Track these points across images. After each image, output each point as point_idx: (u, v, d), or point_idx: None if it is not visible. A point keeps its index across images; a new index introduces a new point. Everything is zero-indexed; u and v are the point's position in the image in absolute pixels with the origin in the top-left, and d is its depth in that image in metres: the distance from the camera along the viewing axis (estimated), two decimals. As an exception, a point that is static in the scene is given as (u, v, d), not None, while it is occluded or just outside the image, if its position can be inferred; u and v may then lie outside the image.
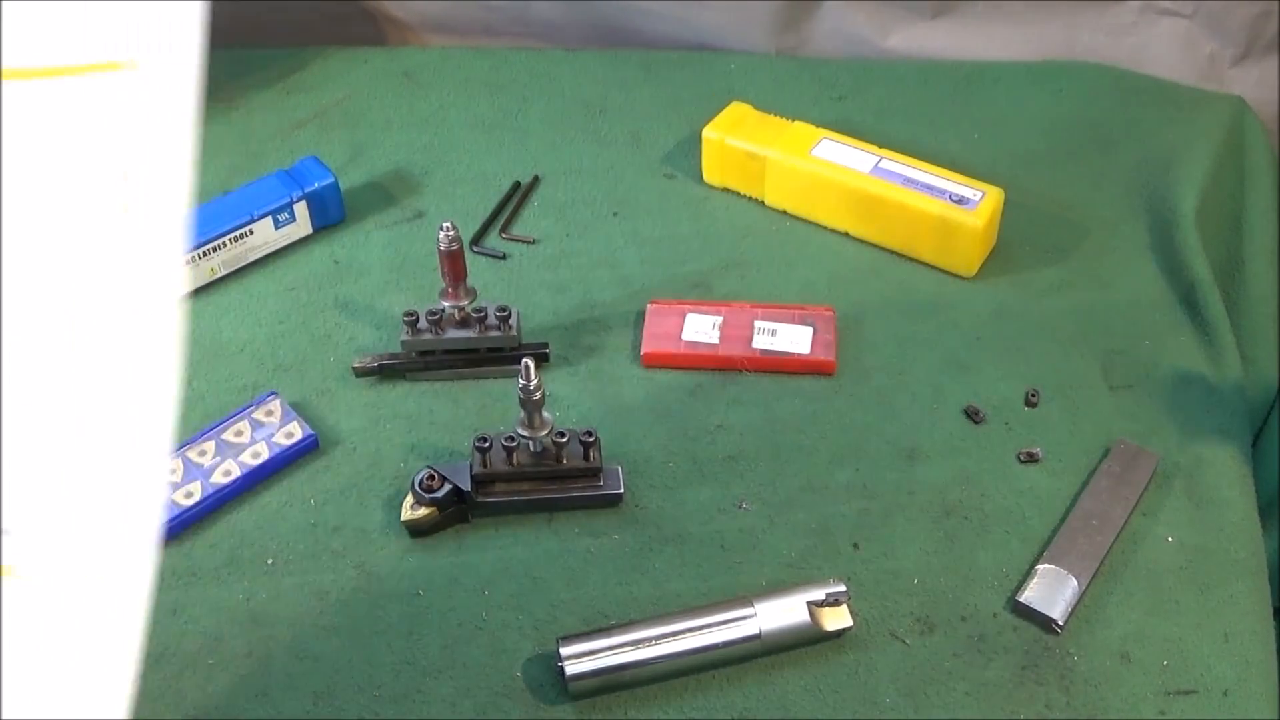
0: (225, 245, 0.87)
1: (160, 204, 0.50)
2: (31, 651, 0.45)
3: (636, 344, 0.83)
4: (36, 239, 0.51)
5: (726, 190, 0.96)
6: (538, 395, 0.69)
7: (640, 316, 0.84)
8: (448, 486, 0.71)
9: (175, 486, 0.73)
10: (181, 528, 0.72)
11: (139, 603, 0.46)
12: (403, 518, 0.71)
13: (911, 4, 1.09)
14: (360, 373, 0.81)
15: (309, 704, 0.64)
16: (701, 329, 0.82)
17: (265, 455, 0.75)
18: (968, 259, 0.87)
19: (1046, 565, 0.68)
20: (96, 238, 0.51)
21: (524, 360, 0.68)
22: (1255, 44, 1.04)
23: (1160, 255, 0.89)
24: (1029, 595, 0.67)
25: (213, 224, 0.86)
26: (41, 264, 0.51)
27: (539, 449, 0.72)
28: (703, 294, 0.87)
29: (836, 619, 0.65)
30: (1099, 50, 1.08)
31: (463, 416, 0.79)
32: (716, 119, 0.95)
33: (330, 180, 0.91)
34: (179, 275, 0.49)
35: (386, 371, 0.81)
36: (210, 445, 0.76)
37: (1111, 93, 1.04)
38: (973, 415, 0.78)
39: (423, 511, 0.71)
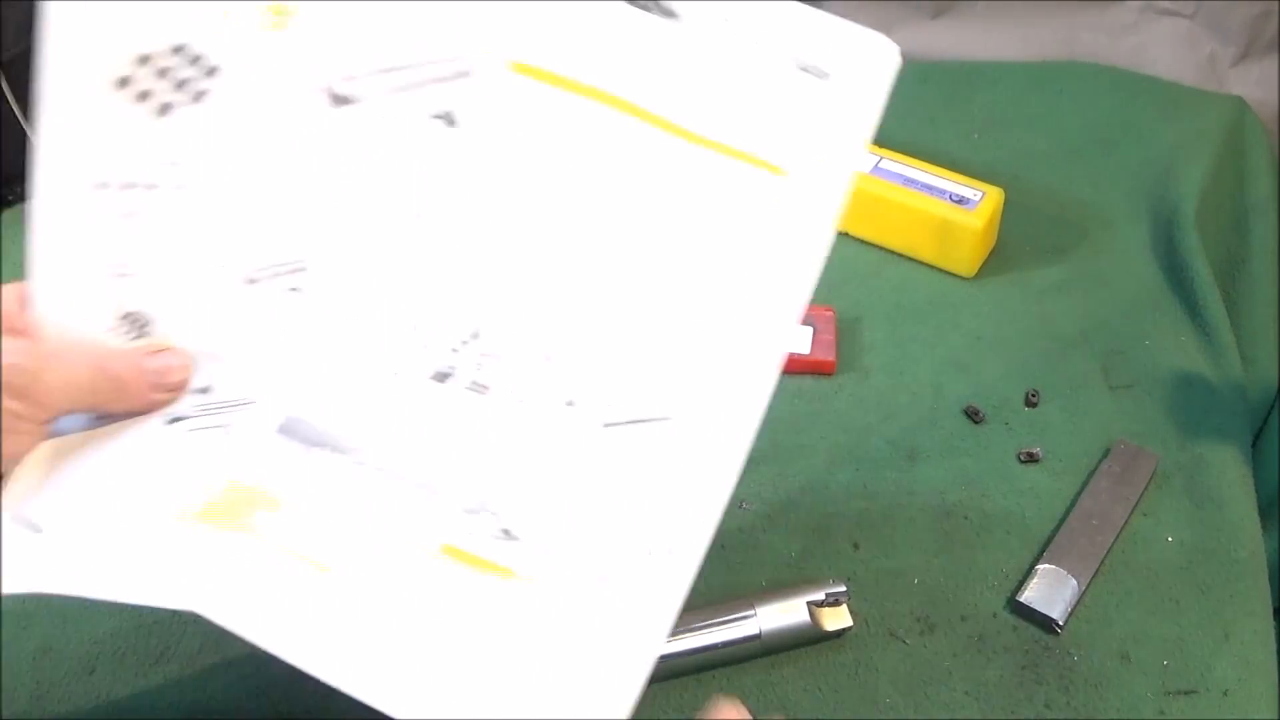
0: (225, 245, 0.86)
1: (771, 315, 0.52)
2: (531, 652, 0.47)
3: (636, 344, 0.83)
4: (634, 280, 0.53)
5: (726, 190, 0.96)
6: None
7: (640, 316, 0.84)
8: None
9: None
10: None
11: (666, 615, 0.48)
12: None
13: (911, 4, 1.09)
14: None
15: (309, 702, 0.64)
16: (701, 329, 0.82)
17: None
18: (968, 259, 0.87)
19: (1046, 565, 0.68)
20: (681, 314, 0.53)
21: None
22: (1255, 44, 1.04)
23: (1160, 255, 0.89)
24: (1029, 595, 0.67)
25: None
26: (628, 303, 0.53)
27: (540, 449, 0.72)
28: (703, 294, 0.87)
29: (836, 619, 0.65)
30: (1099, 50, 1.08)
31: (463, 416, 0.79)
32: (716, 119, 0.95)
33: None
34: (771, 375, 0.51)
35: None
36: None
37: (1111, 93, 1.04)
38: (973, 415, 0.78)
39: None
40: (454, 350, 0.54)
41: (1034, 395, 0.79)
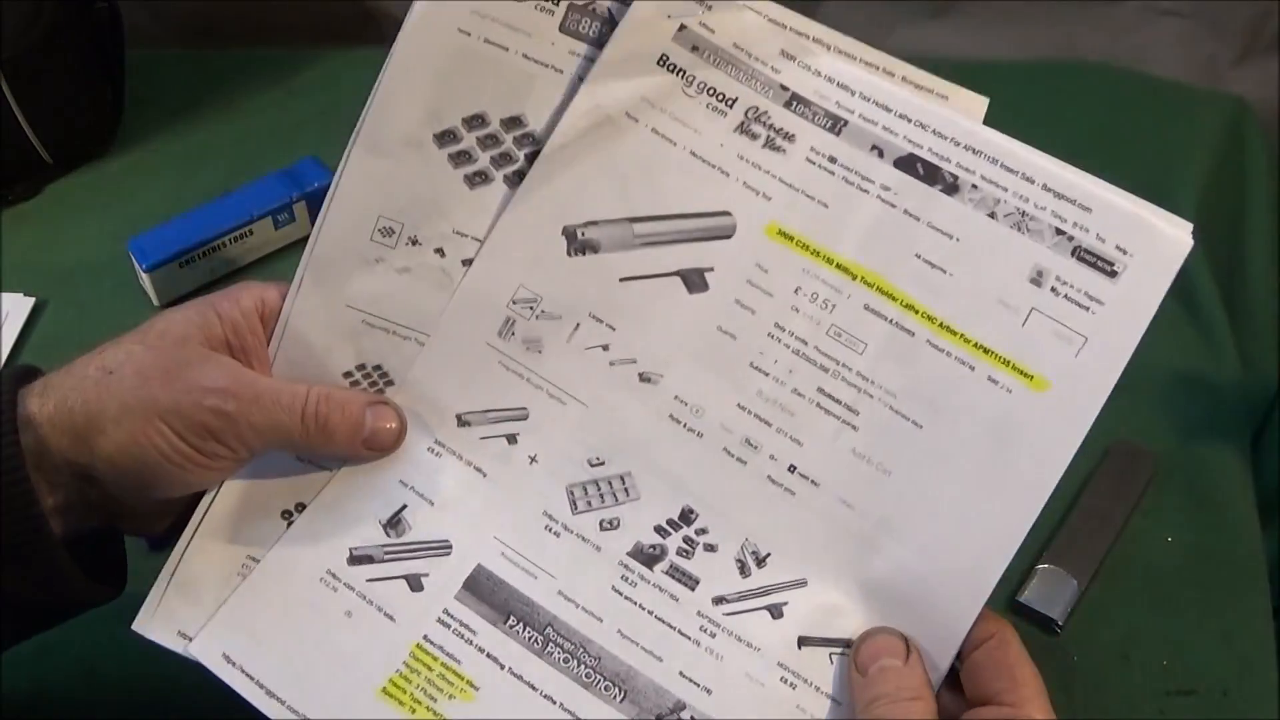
0: (225, 245, 0.87)
1: (991, 546, 0.51)
2: None
3: (636, 344, 0.82)
4: None
5: (726, 190, 0.95)
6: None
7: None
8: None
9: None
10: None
11: None
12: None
13: (911, 4, 1.09)
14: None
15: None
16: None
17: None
18: (968, 259, 0.87)
19: (1046, 565, 0.68)
20: None
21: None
22: (1255, 44, 1.04)
23: (1160, 255, 0.89)
24: (1029, 595, 0.67)
25: (213, 224, 0.86)
26: None
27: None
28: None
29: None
30: (1099, 50, 1.08)
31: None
32: (716, 119, 0.94)
33: (330, 181, 0.90)
34: (976, 609, 0.50)
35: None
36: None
37: (1111, 93, 1.04)
38: (973, 415, 0.77)
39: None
40: (661, 529, 0.51)
41: (1034, 395, 0.79)
